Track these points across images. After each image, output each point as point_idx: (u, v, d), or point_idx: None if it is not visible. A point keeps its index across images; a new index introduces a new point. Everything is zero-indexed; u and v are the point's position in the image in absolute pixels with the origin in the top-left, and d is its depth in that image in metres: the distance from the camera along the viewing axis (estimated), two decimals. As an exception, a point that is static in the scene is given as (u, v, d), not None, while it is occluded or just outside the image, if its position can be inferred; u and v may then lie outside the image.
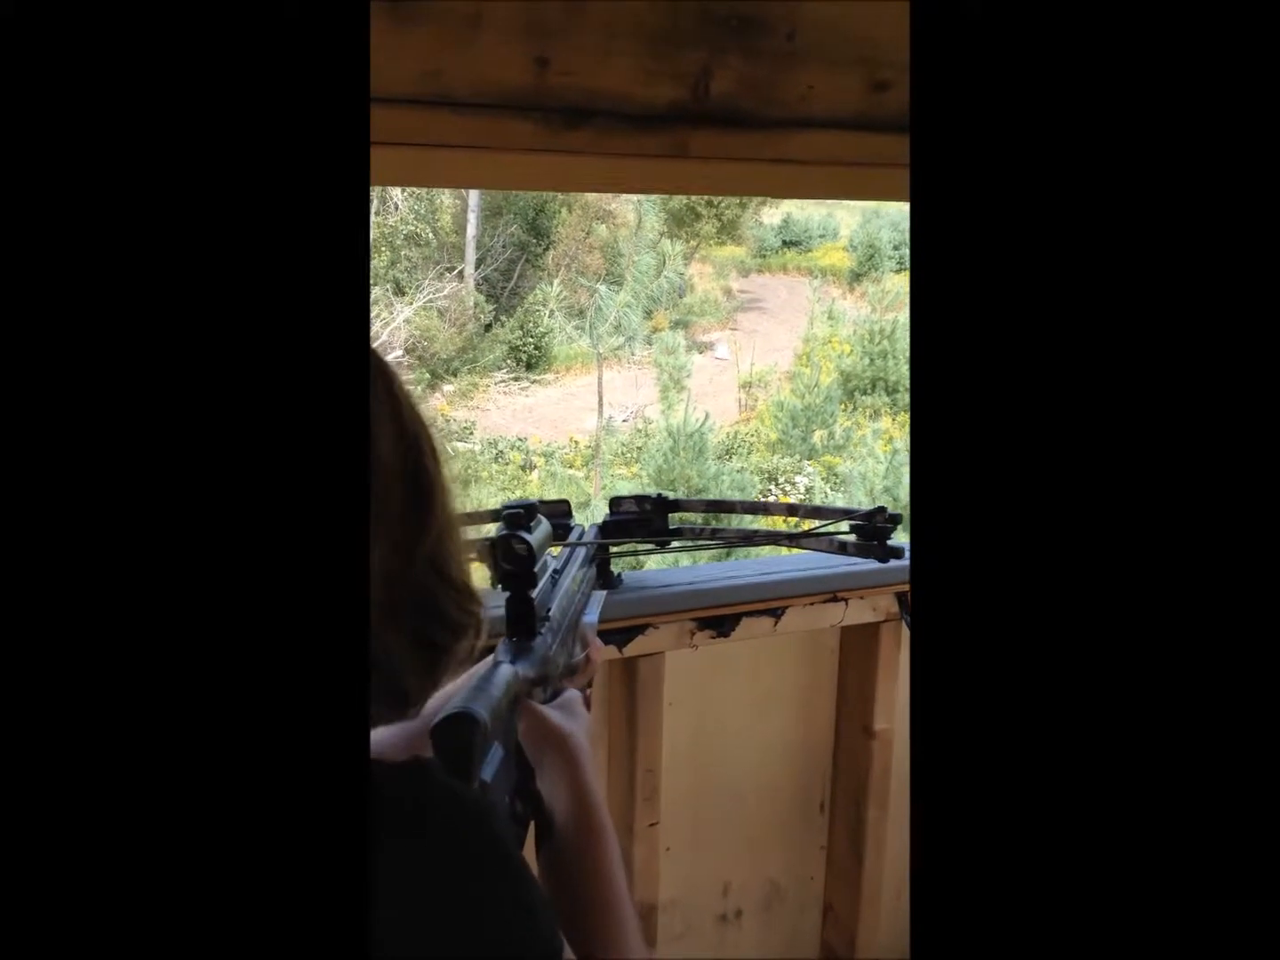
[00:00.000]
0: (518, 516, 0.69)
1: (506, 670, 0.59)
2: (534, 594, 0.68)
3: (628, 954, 0.57)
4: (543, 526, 0.72)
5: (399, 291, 11.76)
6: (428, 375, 11.31)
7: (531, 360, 12.35)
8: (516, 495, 8.53)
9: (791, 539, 1.07)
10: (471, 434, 10.44)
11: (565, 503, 1.13)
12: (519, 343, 12.19)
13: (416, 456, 0.49)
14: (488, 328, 12.31)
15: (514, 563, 0.68)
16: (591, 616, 0.84)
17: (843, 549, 1.02)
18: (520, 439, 10.34)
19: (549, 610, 0.73)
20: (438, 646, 0.50)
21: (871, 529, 1.01)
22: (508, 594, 0.68)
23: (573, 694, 0.69)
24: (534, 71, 0.84)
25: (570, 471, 8.97)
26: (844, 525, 1.03)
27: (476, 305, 12.49)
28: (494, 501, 8.31)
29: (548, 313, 11.59)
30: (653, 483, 6.82)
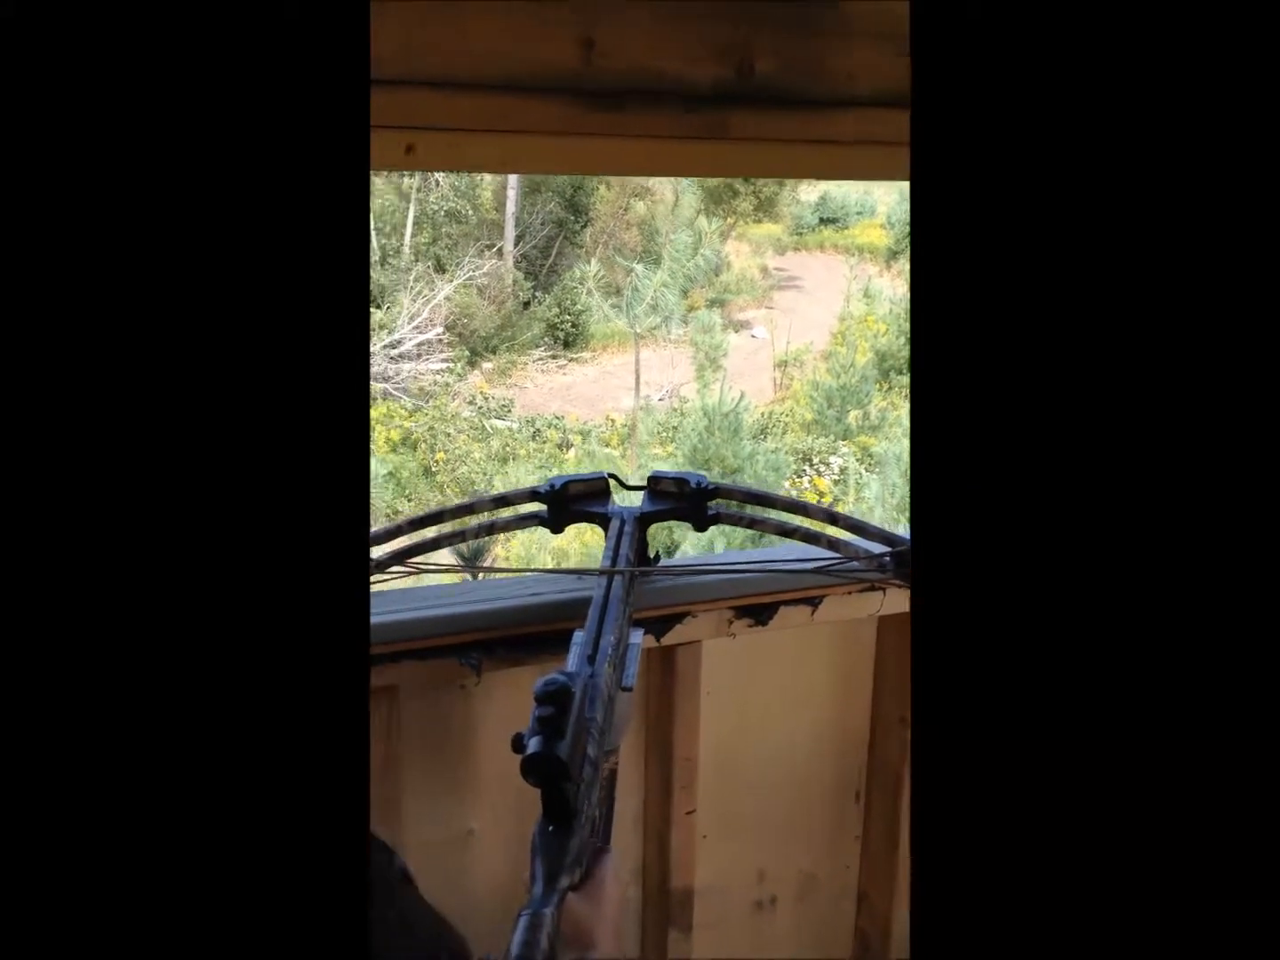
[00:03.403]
0: (548, 718, 0.70)
1: (546, 927, 0.63)
2: (570, 788, 0.72)
3: None
4: (577, 717, 0.73)
5: (439, 268, 11.80)
6: (467, 353, 11.35)
7: (569, 338, 12.34)
8: (553, 473, 8.56)
9: (820, 570, 1.05)
10: (510, 412, 10.47)
11: (603, 480, 1.12)
12: (556, 320, 12.19)
13: None
14: (526, 305, 12.32)
15: (548, 778, 0.71)
16: (630, 678, 0.84)
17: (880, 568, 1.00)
18: (558, 417, 10.36)
19: (586, 758, 0.76)
20: None
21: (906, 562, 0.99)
22: (541, 788, 0.71)
23: (601, 864, 0.71)
24: (579, 53, 0.83)
25: (607, 450, 8.97)
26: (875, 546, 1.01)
27: (515, 283, 12.49)
28: (530, 480, 8.30)
29: (585, 291, 11.57)
30: (688, 462, 6.79)
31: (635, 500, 1.12)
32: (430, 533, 1.10)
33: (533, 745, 0.69)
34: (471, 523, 1.12)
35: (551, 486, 1.06)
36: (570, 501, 1.07)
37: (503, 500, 1.12)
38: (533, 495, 1.08)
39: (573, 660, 0.83)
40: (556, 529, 1.09)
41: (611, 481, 1.12)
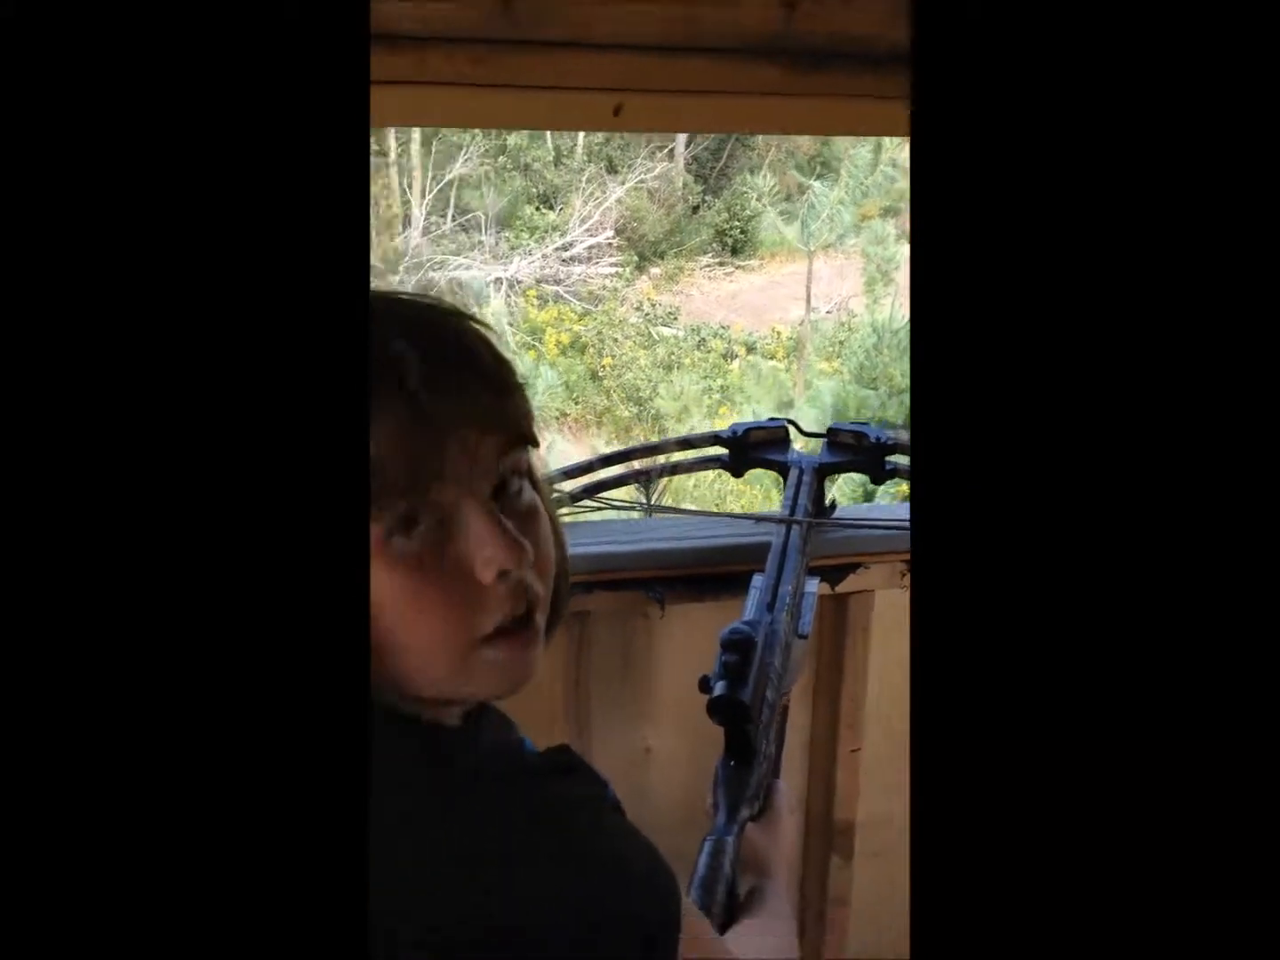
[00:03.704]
0: (733, 665, 0.76)
1: (728, 853, 0.69)
2: (752, 729, 0.77)
3: None
4: (759, 664, 0.79)
5: (611, 169, 11.75)
6: (636, 258, 11.35)
7: (737, 245, 12.11)
8: (717, 384, 8.55)
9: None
10: (675, 319, 10.46)
11: (784, 428, 1.15)
12: (725, 226, 11.96)
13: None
14: (695, 210, 12.13)
15: (732, 719, 0.76)
16: (806, 625, 0.87)
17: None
18: (723, 327, 10.27)
19: (765, 701, 0.80)
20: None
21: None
22: (724, 729, 0.76)
23: (778, 796, 0.76)
24: (782, 16, 0.83)
25: (771, 363, 8.85)
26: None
27: (685, 186, 12.29)
28: (696, 390, 8.21)
29: (755, 197, 11.27)
30: (853, 379, 6.63)
31: (814, 447, 1.15)
32: (619, 469, 1.16)
33: (719, 689, 0.75)
34: (657, 462, 1.17)
35: (734, 432, 1.11)
36: (751, 448, 1.11)
37: (687, 443, 1.17)
38: (715, 439, 1.12)
39: (752, 605, 0.88)
40: (737, 473, 1.14)
41: (790, 428, 1.15)
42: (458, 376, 0.48)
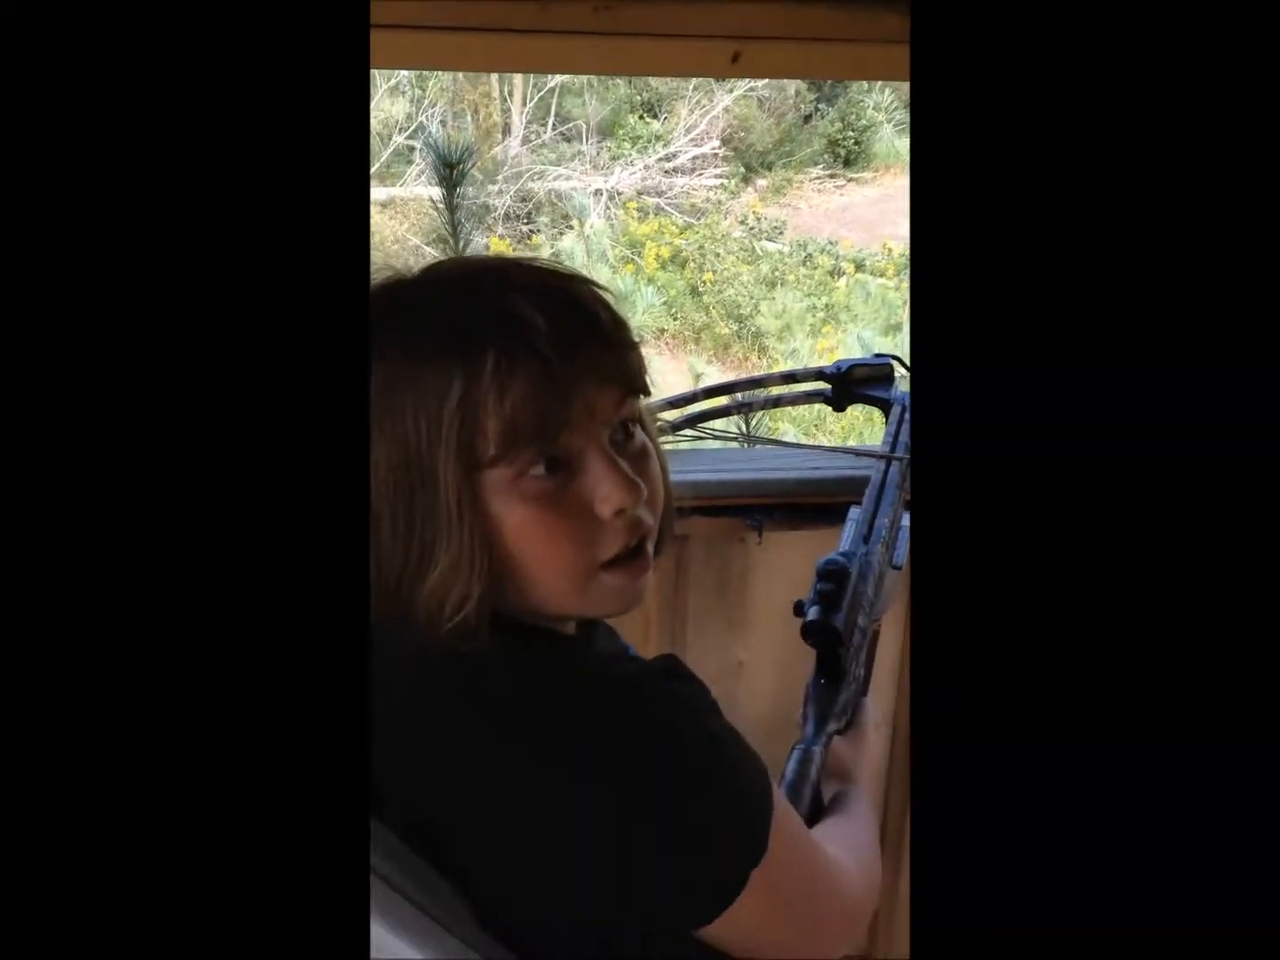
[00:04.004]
0: (828, 593, 0.81)
1: (815, 762, 0.75)
2: (843, 652, 0.81)
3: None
4: (852, 593, 0.83)
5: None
6: (742, 169, 11.05)
7: (850, 156, 11.63)
8: (821, 302, 8.35)
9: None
10: (781, 234, 10.20)
11: (888, 365, 1.17)
12: (839, 136, 11.49)
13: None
14: (807, 119, 11.67)
15: (824, 643, 0.80)
16: (900, 557, 0.91)
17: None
18: (831, 242, 9.96)
19: (856, 627, 0.85)
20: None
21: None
22: (817, 650, 0.81)
23: (864, 713, 0.82)
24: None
25: (881, 281, 8.59)
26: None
27: (798, 94, 11.82)
28: (799, 308, 8.04)
29: (871, 105, 10.78)
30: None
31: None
32: (725, 400, 1.21)
33: (813, 614, 0.81)
34: (760, 395, 1.21)
35: (838, 369, 1.13)
36: (854, 384, 1.14)
37: (790, 377, 1.20)
38: (819, 375, 1.15)
39: (848, 536, 0.93)
40: (839, 407, 1.17)
41: (895, 364, 1.17)
42: (580, 337, 0.55)
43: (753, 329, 8.24)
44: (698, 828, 0.53)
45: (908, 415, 1.09)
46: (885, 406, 1.12)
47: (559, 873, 0.54)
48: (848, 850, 0.66)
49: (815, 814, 0.75)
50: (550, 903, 0.55)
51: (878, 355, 1.17)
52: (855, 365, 1.13)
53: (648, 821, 0.52)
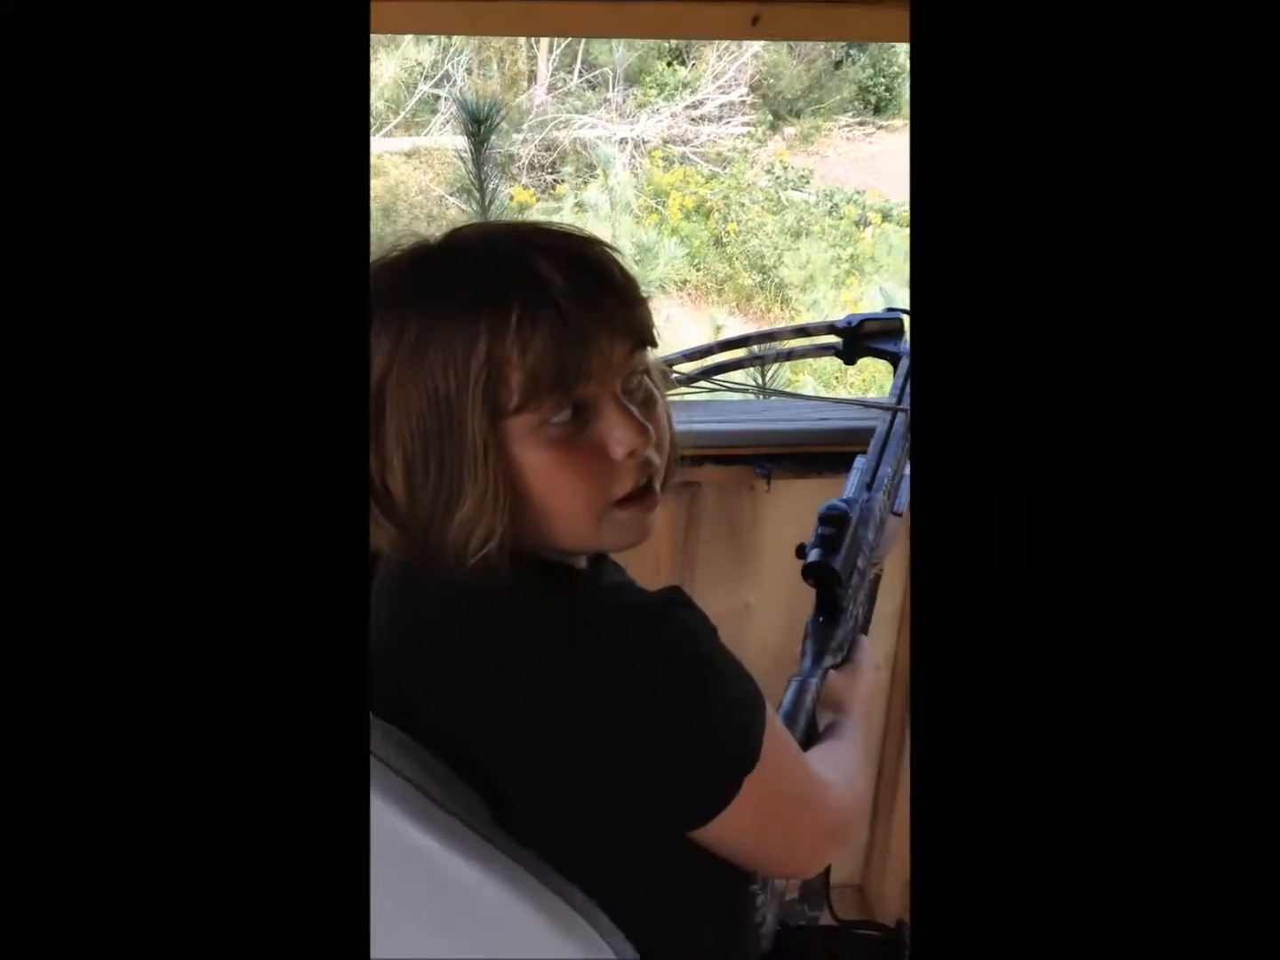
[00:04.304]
0: (828, 536, 0.86)
1: (811, 692, 0.79)
2: (841, 592, 0.85)
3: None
4: (852, 537, 0.87)
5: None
6: (770, 116, 10.86)
7: (881, 103, 11.37)
8: (846, 253, 8.26)
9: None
10: (808, 183, 10.04)
11: (898, 320, 1.20)
12: (870, 83, 11.23)
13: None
14: (838, 65, 11.40)
15: (823, 582, 0.85)
16: (901, 504, 0.95)
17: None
18: (859, 192, 9.80)
19: (855, 569, 0.89)
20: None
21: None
22: (816, 589, 0.85)
23: (860, 650, 0.87)
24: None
25: (906, 231, 8.46)
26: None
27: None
28: (824, 259, 7.91)
29: (904, 51, 10.51)
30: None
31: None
32: (740, 353, 1.25)
33: (813, 556, 0.86)
34: (772, 348, 1.25)
35: (849, 323, 1.17)
36: (864, 338, 1.17)
37: (803, 330, 1.24)
38: (830, 329, 1.19)
39: (852, 484, 0.97)
40: (849, 360, 1.21)
41: (906, 320, 1.20)
42: (595, 294, 0.61)
43: (776, 280, 8.17)
44: (695, 735, 0.59)
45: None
46: (894, 359, 1.15)
47: (571, 778, 0.60)
48: (837, 772, 0.72)
49: (810, 741, 0.80)
50: (562, 804, 0.61)
51: (889, 310, 1.20)
52: (865, 319, 1.17)
53: (651, 729, 0.58)
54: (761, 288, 8.29)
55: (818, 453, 1.16)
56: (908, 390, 1.10)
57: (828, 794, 0.69)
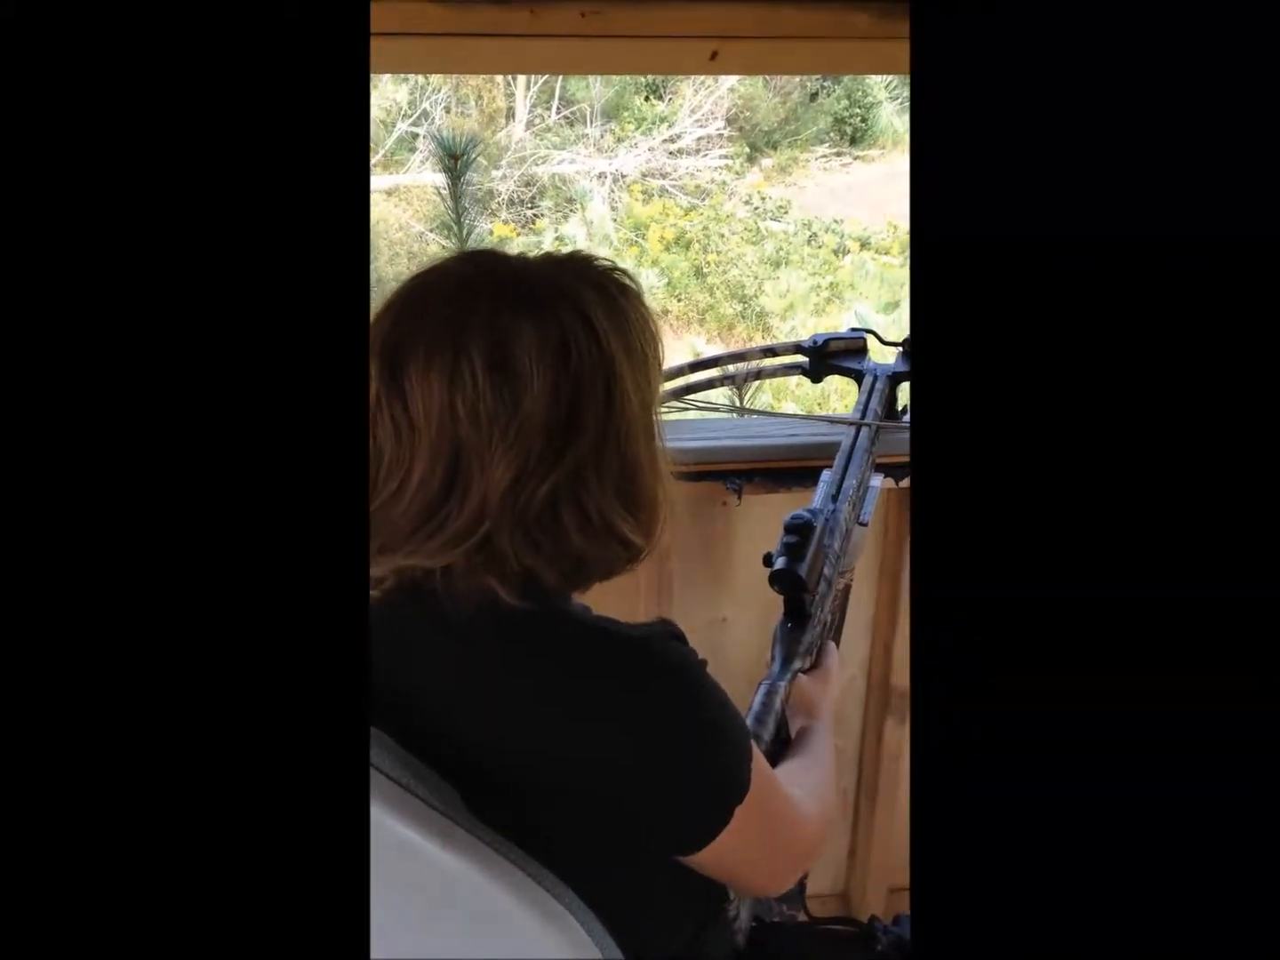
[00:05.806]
0: (792, 545, 0.88)
1: (780, 695, 0.82)
2: (807, 597, 0.88)
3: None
4: (817, 545, 0.90)
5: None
6: (747, 149, 11.01)
7: (856, 134, 11.57)
8: (826, 281, 8.36)
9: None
10: (786, 213, 10.17)
11: (862, 339, 1.25)
12: (845, 114, 11.43)
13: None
14: (813, 97, 11.60)
15: (789, 589, 0.88)
16: (867, 514, 0.99)
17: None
18: (836, 221, 9.93)
19: (822, 576, 0.93)
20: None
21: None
22: (783, 597, 0.88)
23: (828, 655, 0.90)
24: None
25: (885, 259, 8.59)
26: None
27: (802, 72, 11.74)
28: (803, 287, 8.01)
29: (878, 82, 10.72)
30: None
31: (890, 356, 1.24)
32: (714, 373, 1.29)
33: (779, 563, 0.89)
34: (742, 368, 1.29)
35: (814, 342, 1.21)
36: (829, 357, 1.21)
37: (770, 351, 1.28)
38: (797, 349, 1.23)
39: (819, 496, 1.01)
40: (815, 379, 1.25)
41: (869, 338, 1.25)
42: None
43: (757, 309, 8.26)
44: (689, 769, 0.61)
45: (879, 385, 1.17)
46: (858, 377, 1.19)
47: (575, 803, 0.61)
48: (809, 791, 0.74)
49: (782, 743, 0.83)
50: (553, 828, 0.62)
51: (853, 330, 1.24)
52: (831, 339, 1.21)
53: (645, 763, 0.60)
54: (743, 316, 8.36)
55: (787, 467, 1.19)
56: (871, 406, 1.14)
57: (800, 816, 0.71)
